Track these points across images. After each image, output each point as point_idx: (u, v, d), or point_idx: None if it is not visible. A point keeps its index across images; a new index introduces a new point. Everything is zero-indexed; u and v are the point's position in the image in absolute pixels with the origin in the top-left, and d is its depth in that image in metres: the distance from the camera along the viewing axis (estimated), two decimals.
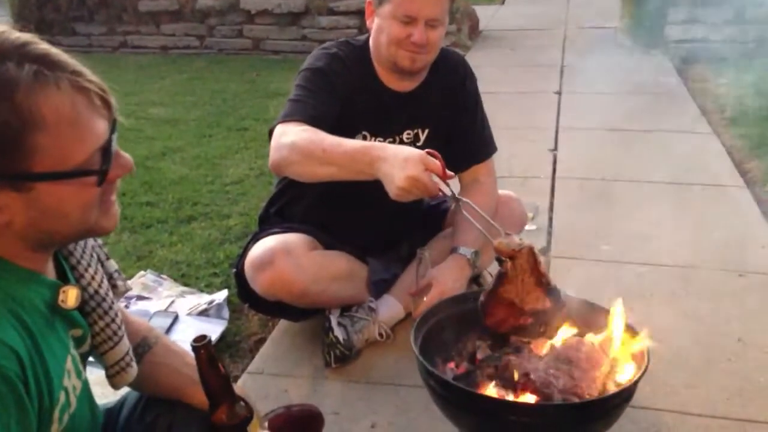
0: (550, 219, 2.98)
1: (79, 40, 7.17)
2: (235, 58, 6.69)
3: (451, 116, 2.15)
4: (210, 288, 2.52)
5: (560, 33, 6.89)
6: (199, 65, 6.46)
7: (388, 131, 2.07)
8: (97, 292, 1.10)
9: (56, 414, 0.96)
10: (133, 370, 1.19)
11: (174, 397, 1.29)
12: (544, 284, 1.50)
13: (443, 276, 1.98)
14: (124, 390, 1.46)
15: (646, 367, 1.42)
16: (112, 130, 0.95)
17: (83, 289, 1.08)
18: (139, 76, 6.06)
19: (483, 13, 7.29)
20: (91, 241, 1.14)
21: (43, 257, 1.00)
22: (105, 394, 1.68)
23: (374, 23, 1.99)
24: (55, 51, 0.90)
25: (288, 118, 1.85)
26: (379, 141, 2.03)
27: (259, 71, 6.11)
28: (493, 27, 7.36)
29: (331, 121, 1.87)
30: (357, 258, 2.08)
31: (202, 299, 2.40)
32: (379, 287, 2.19)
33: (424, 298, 1.96)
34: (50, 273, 1.02)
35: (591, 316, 1.59)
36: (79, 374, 1.04)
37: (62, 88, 0.88)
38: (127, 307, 2.36)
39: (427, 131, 2.13)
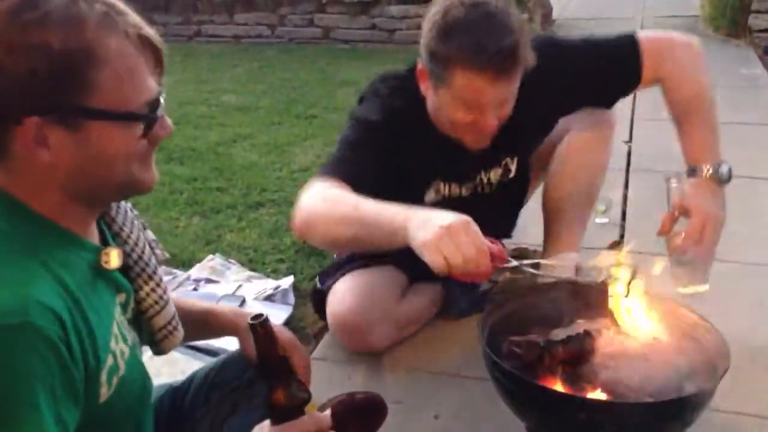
0: (624, 212, 2.87)
1: (156, 29, 7.32)
2: (305, 47, 6.73)
3: (546, 116, 1.91)
4: (276, 274, 2.53)
5: (637, 22, 6.67)
6: (270, 54, 6.53)
7: (467, 176, 1.88)
8: (140, 257, 1.11)
9: (104, 376, 0.96)
10: (180, 333, 1.20)
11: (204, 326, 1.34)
12: None
13: (700, 200, 1.65)
14: (191, 370, 1.48)
15: (727, 368, 1.35)
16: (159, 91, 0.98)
17: (127, 255, 1.09)
18: (213, 65, 6.16)
19: (556, 1, 7.12)
20: (130, 212, 1.15)
21: (85, 218, 1.00)
22: (173, 373, 1.73)
23: (429, 93, 1.70)
24: (122, 4, 0.94)
25: (323, 175, 1.62)
26: (455, 186, 1.87)
27: (328, 60, 6.13)
28: (567, 16, 7.18)
29: (374, 184, 1.57)
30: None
31: (268, 284, 2.42)
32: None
33: (682, 233, 1.63)
34: (93, 238, 1.03)
35: (668, 314, 1.52)
36: (125, 340, 1.04)
37: (129, 34, 0.92)
38: (195, 289, 2.40)
39: (516, 159, 1.93)
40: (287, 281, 2.41)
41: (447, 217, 1.29)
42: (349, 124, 1.78)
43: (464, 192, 1.91)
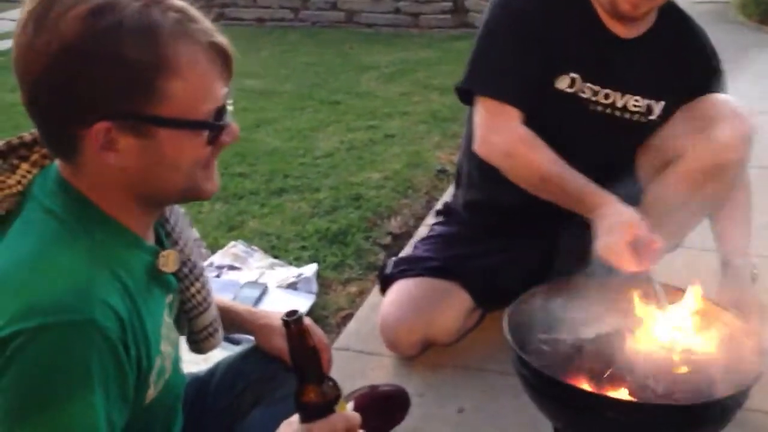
0: None
1: None
2: (329, 31, 6.69)
3: (686, 86, 1.84)
4: (299, 261, 2.52)
5: None
6: (293, 38, 6.49)
7: (607, 80, 1.81)
8: (190, 258, 1.12)
9: (152, 378, 0.97)
10: (220, 335, 1.21)
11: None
12: None
13: (746, 297, 1.73)
14: (214, 358, 1.48)
15: (761, 371, 1.31)
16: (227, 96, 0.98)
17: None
18: (235, 48, 6.11)
19: None
20: (179, 209, 1.15)
21: (146, 219, 1.01)
22: (195, 361, 1.72)
23: None
24: (192, 8, 0.95)
25: (495, 93, 1.75)
26: (589, 86, 1.80)
27: (352, 44, 6.09)
28: None
29: (536, 86, 1.76)
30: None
31: (290, 272, 2.40)
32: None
33: None
34: (150, 238, 1.03)
35: (703, 313, 1.48)
36: (171, 341, 1.05)
37: (200, 42, 0.92)
38: (218, 276, 2.39)
39: (662, 104, 1.85)
40: (310, 269, 2.40)
41: (620, 238, 1.51)
42: (497, 14, 1.79)
43: (600, 99, 1.83)
